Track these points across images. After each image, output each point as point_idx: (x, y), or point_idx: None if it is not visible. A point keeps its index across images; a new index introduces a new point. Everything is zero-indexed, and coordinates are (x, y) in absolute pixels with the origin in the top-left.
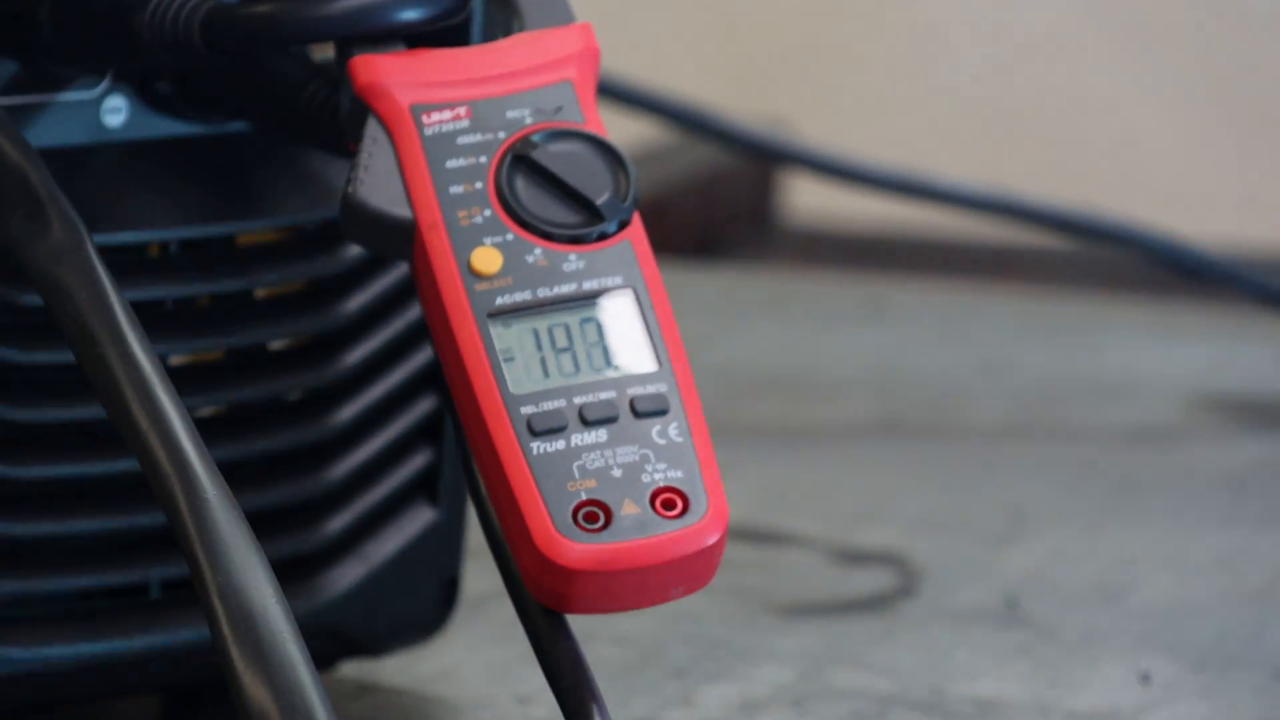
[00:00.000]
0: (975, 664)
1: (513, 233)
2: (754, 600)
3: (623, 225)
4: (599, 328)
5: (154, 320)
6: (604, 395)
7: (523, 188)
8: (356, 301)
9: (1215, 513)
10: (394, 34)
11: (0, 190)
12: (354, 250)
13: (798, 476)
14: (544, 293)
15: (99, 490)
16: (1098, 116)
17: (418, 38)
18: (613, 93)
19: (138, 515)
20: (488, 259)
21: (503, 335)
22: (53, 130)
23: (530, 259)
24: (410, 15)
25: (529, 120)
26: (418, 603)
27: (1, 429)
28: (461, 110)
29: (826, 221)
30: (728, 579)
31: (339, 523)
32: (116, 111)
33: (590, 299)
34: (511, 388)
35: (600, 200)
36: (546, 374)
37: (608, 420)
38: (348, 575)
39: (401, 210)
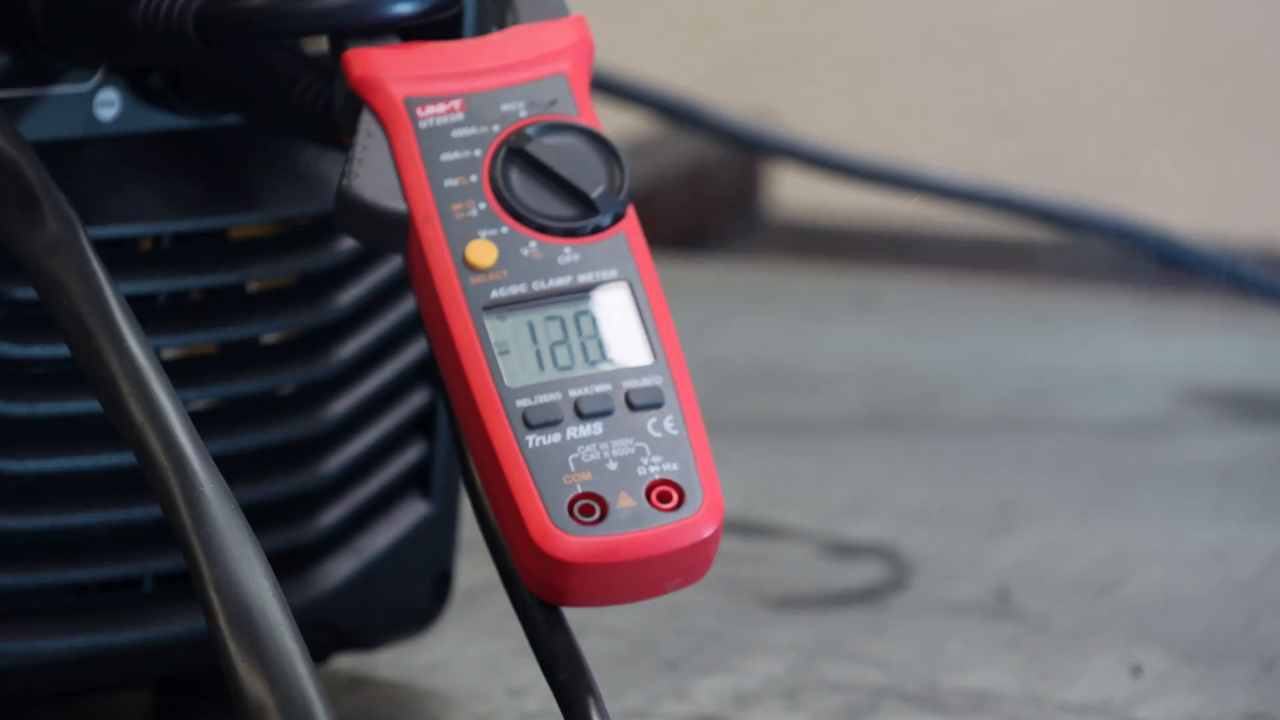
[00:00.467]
0: (967, 656)
1: (507, 226)
2: (746, 593)
3: (617, 218)
4: (594, 321)
5: (147, 314)
6: (599, 388)
7: (517, 181)
8: (349, 295)
9: (1205, 504)
10: (388, 27)
11: None
12: (347, 243)
13: (788, 469)
14: (539, 286)
15: (92, 484)
16: (1084, 108)
17: (412, 31)
18: (600, 85)
19: (131, 509)
20: (483, 252)
21: (498, 328)
22: (46, 124)
23: (525, 252)
24: (404, 8)
25: (523, 113)
26: (411, 596)
27: None
28: (456, 103)
29: (814, 214)
30: (719, 572)
31: (332, 516)
32: (109, 105)
33: (585, 292)
34: (507, 381)
35: (595, 193)
36: (542, 367)
37: (603, 413)
38: (341, 568)
39: (396, 203)
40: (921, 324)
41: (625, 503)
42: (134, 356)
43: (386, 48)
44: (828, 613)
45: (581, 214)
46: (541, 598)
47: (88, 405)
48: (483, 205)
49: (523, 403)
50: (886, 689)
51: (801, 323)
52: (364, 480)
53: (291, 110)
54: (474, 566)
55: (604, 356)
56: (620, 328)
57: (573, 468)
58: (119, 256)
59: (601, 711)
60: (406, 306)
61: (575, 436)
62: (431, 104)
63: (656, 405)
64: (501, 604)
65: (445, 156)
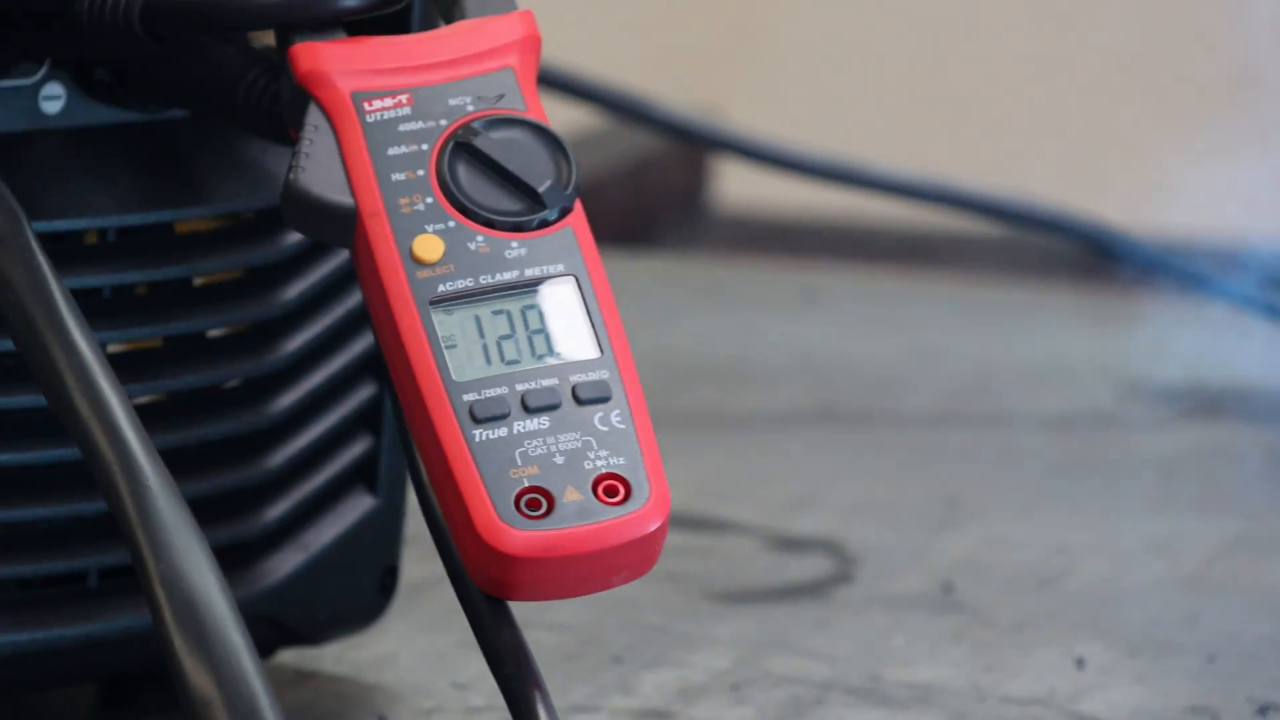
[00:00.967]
0: (912, 649)
1: (454, 220)
2: (691, 587)
3: (564, 212)
4: (541, 315)
5: (92, 308)
6: (546, 382)
7: (464, 175)
8: (295, 289)
9: (1148, 498)
10: (335, 21)
11: None
12: (293, 238)
13: (732, 464)
14: (486, 280)
15: (37, 478)
16: (1029, 103)
17: (359, 25)
18: (546, 79)
19: (76, 503)
20: (429, 246)
21: (445, 322)
22: None
23: (472, 246)
24: (351, 2)
25: (471, 107)
26: (357, 590)
27: None
28: (403, 98)
29: (759, 209)
30: (665, 566)
31: (278, 510)
32: (55, 98)
33: (532, 286)
34: (454, 375)
35: (542, 187)
36: (489, 361)
37: (550, 407)
38: (287, 563)
39: (343, 197)
40: (866, 319)
41: (572, 497)
42: (79, 351)
43: (333, 42)
44: (773, 607)
45: (528, 208)
46: (488, 592)
47: (33, 399)
48: (430, 200)
49: (469, 397)
50: (831, 682)
51: (746, 318)
52: (310, 474)
53: (238, 104)
54: (420, 561)
55: (551, 351)
56: (567, 322)
57: (519, 462)
58: (64, 250)
59: (547, 705)
60: (353, 301)
61: (522, 431)
62: (379, 98)
63: (603, 399)
64: (447, 598)
65: (392, 151)
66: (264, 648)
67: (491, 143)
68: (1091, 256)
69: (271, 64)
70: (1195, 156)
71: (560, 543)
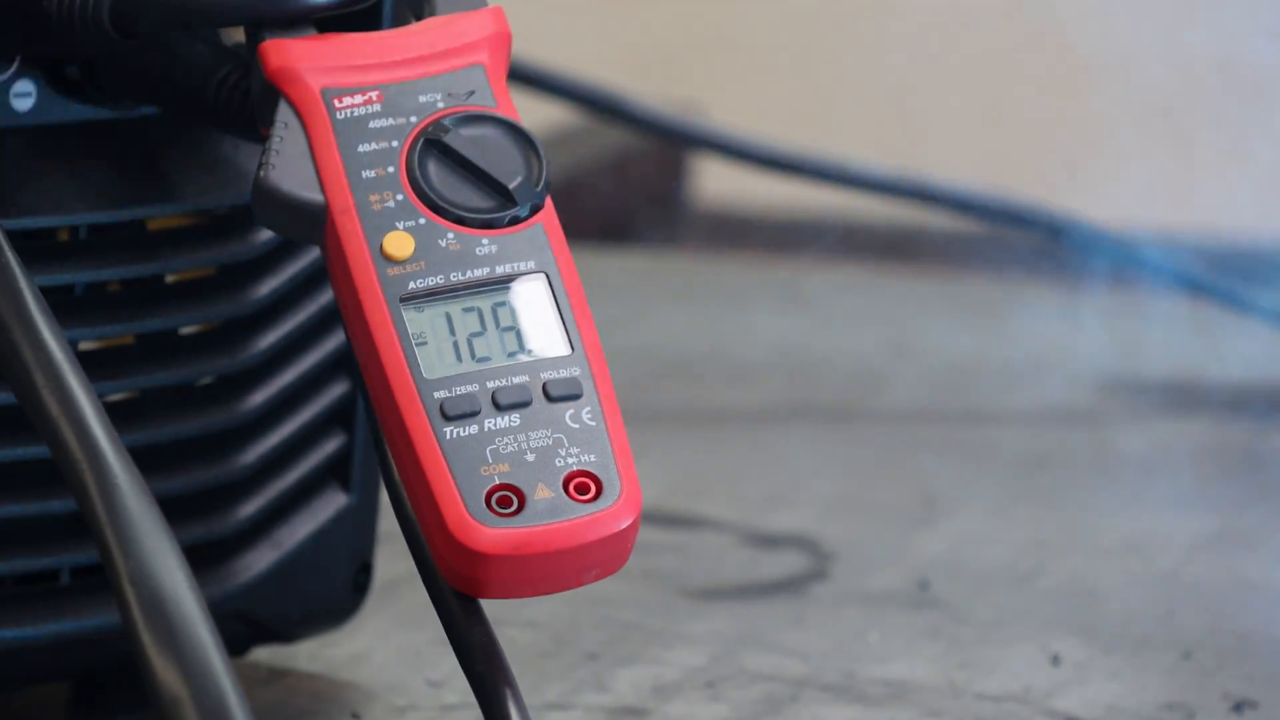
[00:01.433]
0: (887, 646)
1: (425, 217)
2: (666, 584)
3: (535, 209)
4: (512, 312)
5: (64, 305)
6: (517, 379)
7: (435, 172)
8: (268, 286)
9: (1124, 494)
10: (305, 18)
11: None
12: (265, 235)
13: (709, 460)
14: (456, 277)
15: (9, 476)
16: (1008, 100)
17: (329, 22)
18: (522, 76)
19: (48, 501)
20: (400, 243)
21: (415, 320)
22: None
23: (443, 243)
24: None
25: (441, 104)
26: (330, 588)
27: None
28: (373, 94)
29: (736, 205)
30: (640, 563)
31: (251, 508)
32: (25, 95)
33: (503, 283)
34: (424, 372)
35: (513, 184)
36: (459, 358)
37: (521, 405)
38: (260, 560)
39: (313, 194)
40: (844, 315)
41: (543, 494)
42: (48, 349)
43: (303, 39)
44: (748, 603)
45: (499, 205)
46: (459, 589)
47: (2, 397)
48: (400, 196)
49: (440, 394)
50: (806, 679)
51: (724, 314)
52: (283, 472)
53: (209, 101)
54: (394, 558)
55: (522, 348)
56: (538, 319)
57: (490, 459)
58: (35, 248)
59: (518, 702)
60: (325, 298)
61: (493, 428)
62: (349, 95)
63: (574, 396)
64: (421, 595)
65: (362, 147)
66: (237, 645)
67: (462, 139)
68: (1069, 252)
69: (242, 61)
70: (1174, 153)
71: (531, 540)
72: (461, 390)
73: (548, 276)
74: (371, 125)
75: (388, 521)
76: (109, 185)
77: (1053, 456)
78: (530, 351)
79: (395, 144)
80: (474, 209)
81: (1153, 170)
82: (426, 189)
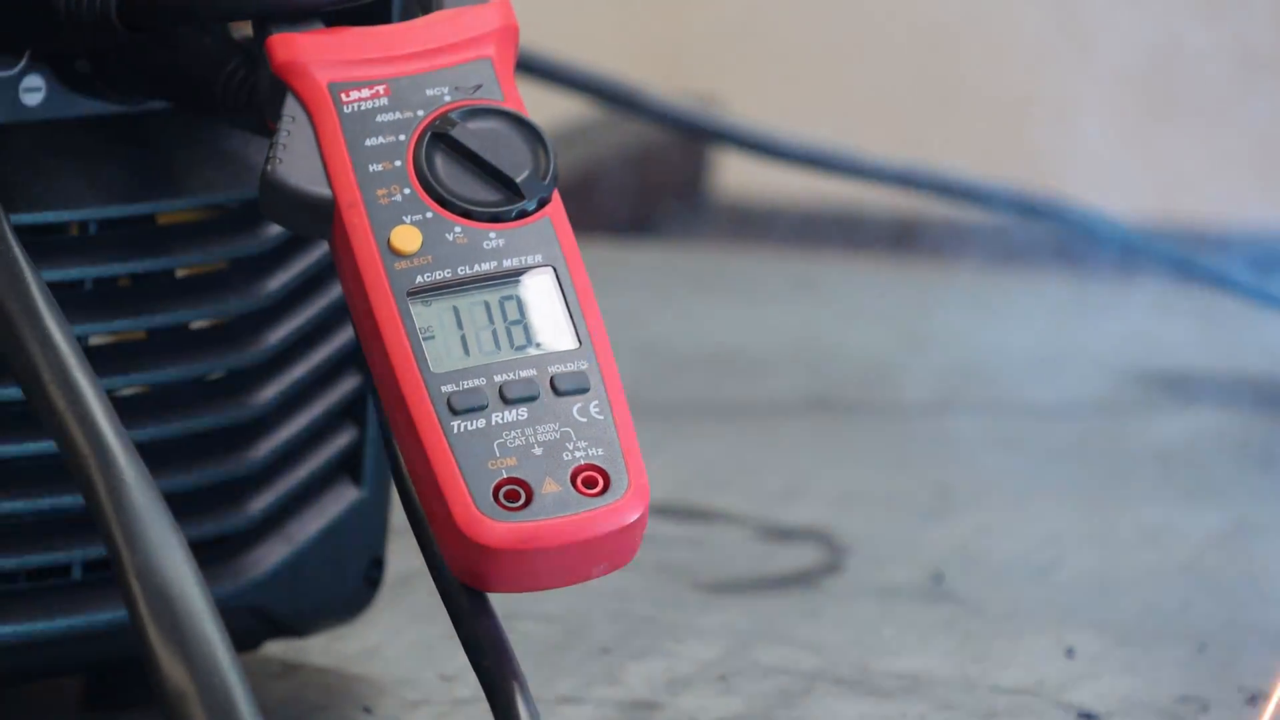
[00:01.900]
0: (901, 639)
1: (432, 211)
2: (680, 577)
3: (542, 203)
4: (519, 305)
5: (74, 300)
6: (524, 373)
7: (442, 166)
8: (278, 281)
9: (1141, 487)
10: (312, 12)
11: None
12: (275, 229)
13: (725, 453)
14: (464, 271)
15: (20, 471)
16: (1025, 93)
17: (336, 15)
18: (542, 70)
19: (60, 496)
20: (407, 237)
21: (423, 314)
22: None
23: (450, 237)
24: None
25: (448, 98)
26: (342, 582)
27: None
28: (380, 88)
29: (755, 198)
30: (654, 556)
31: (262, 502)
32: (34, 90)
33: (510, 277)
34: (432, 366)
35: (520, 178)
36: (467, 352)
37: (528, 398)
38: (272, 555)
39: (320, 189)
40: (861, 307)
41: (550, 488)
42: (55, 344)
43: (311, 33)
44: (762, 597)
45: (506, 199)
46: (467, 583)
47: (11, 393)
48: (407, 190)
49: (447, 388)
50: (820, 672)
51: (743, 306)
52: (294, 466)
53: (217, 96)
54: (406, 552)
55: (529, 341)
56: (545, 313)
57: (498, 453)
58: (45, 243)
59: (526, 696)
60: (336, 292)
61: (500, 422)
62: (356, 89)
63: (582, 390)
64: (433, 589)
65: (370, 142)
66: (250, 640)
67: (469, 133)
68: (1087, 244)
69: (250, 55)
70: (1183, 145)
71: (539, 534)
72: (469, 384)
73: (555, 270)
74: (379, 119)
75: (399, 516)
76: (119, 180)
77: (1069, 449)
78: (538, 345)
79: (402, 138)
80: (481, 203)
81: (1163, 161)
82: (434, 183)
